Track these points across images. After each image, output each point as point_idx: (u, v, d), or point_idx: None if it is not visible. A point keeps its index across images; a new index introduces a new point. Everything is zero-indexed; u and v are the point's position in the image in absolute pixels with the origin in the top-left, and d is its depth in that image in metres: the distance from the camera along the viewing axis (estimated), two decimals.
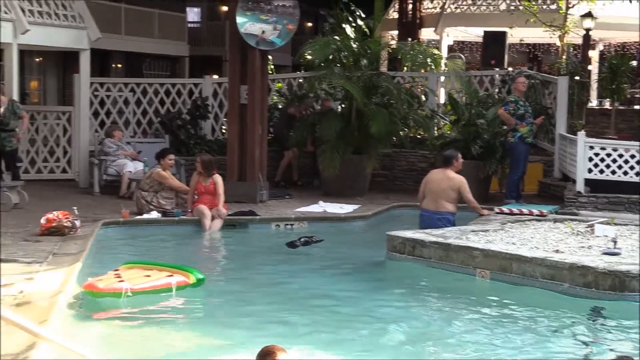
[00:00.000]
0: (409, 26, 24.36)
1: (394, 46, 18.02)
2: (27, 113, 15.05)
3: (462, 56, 22.58)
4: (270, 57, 16.15)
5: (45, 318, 6.25)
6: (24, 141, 15.84)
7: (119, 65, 31.38)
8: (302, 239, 10.89)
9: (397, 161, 16.98)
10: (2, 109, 11.73)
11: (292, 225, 12.35)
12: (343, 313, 7.82)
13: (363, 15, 16.09)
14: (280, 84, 18.82)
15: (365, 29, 16.03)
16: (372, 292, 8.69)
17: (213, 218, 11.91)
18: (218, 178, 12.27)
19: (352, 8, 15.87)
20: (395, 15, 25.42)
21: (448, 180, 11.15)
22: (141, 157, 15.04)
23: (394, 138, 16.20)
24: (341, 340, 6.94)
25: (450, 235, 9.85)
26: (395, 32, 25.07)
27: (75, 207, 11.17)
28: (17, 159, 14.86)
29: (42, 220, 10.57)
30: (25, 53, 23.87)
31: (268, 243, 11.48)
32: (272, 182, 15.68)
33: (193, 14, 37.13)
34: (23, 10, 14.83)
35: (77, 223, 10.71)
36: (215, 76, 23.52)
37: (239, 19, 14.21)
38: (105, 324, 7.29)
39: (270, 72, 18.09)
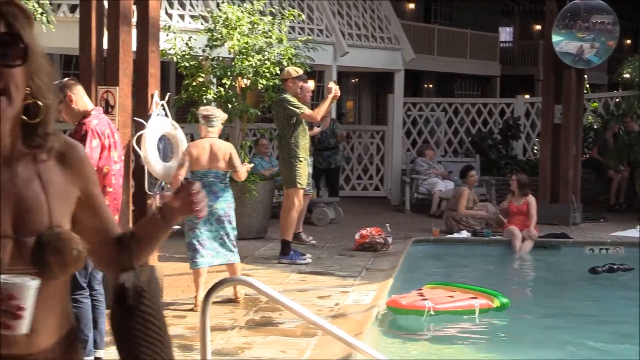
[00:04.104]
0: None
1: None
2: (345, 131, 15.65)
3: None
4: (585, 75, 15.66)
5: (360, 331, 6.42)
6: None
7: (430, 86, 31.82)
8: (607, 266, 10.37)
9: None
10: (319, 129, 12.26)
11: (607, 249, 11.81)
12: None
13: None
14: (595, 104, 18.17)
15: None
16: None
17: (524, 239, 11.70)
18: (532, 199, 12.05)
19: None
20: None
21: None
22: (452, 177, 15.14)
23: None
24: None
25: None
26: None
27: (387, 224, 11.42)
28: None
29: (357, 236, 10.91)
30: (342, 74, 24.90)
31: (580, 267, 11.05)
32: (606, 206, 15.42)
33: (505, 34, 36.87)
34: (343, 34, 15.48)
35: (389, 240, 10.94)
36: (527, 96, 23.19)
37: (555, 38, 13.91)
38: (410, 340, 7.36)
39: (586, 91, 17.52)
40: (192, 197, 2.24)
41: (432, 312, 7.62)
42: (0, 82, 2.01)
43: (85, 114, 5.64)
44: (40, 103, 2.10)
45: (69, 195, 2.17)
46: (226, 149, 7.57)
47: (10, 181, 2.08)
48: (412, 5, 30.58)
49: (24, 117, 2.09)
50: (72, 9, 12.06)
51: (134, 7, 7.80)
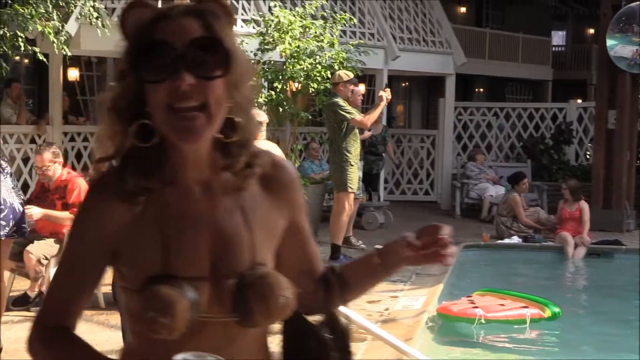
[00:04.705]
0: None
1: None
2: (393, 137, 15.63)
3: None
4: None
5: (410, 336, 6.39)
6: (388, 163, 16.44)
7: (481, 90, 31.63)
8: None
9: None
10: (369, 132, 12.27)
11: None
12: None
13: None
14: None
15: None
16: None
17: (576, 246, 11.58)
18: (585, 205, 11.91)
19: None
20: None
21: None
22: (503, 182, 15.03)
23: None
24: None
25: None
26: None
27: None
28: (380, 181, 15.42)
29: None
30: (393, 78, 24.85)
31: (633, 275, 10.89)
32: None
33: (558, 38, 36.50)
34: (394, 38, 15.44)
35: None
36: (580, 100, 22.94)
37: (609, 42, 13.74)
38: (459, 348, 7.31)
39: None
40: (440, 243, 1.78)
41: (483, 320, 7.56)
42: (199, 97, 1.66)
43: None
44: (237, 119, 1.76)
45: (275, 226, 1.85)
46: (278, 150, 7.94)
47: (210, 212, 1.76)
48: (463, 9, 30.44)
49: (219, 136, 1.75)
50: None
51: None
